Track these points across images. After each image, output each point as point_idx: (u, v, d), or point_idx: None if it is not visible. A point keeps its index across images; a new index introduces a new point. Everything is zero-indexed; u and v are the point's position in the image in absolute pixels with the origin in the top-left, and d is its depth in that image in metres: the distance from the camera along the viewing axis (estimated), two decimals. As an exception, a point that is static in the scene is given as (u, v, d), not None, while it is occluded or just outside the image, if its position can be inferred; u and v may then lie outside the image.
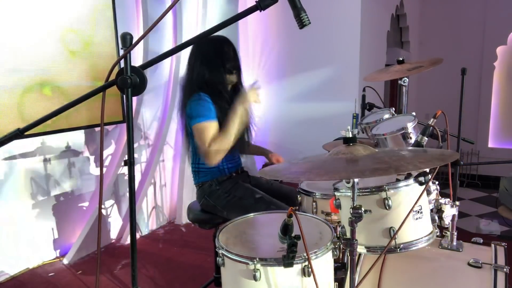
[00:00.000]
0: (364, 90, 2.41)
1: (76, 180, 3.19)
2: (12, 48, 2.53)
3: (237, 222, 1.45)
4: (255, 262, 1.11)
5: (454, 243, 1.50)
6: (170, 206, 3.93)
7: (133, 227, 1.12)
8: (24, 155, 2.83)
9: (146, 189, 3.59)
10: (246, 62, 4.31)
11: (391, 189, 1.23)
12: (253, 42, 4.39)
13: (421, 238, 1.26)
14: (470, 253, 1.45)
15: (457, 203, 1.43)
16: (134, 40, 1.05)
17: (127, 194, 1.01)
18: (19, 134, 1.06)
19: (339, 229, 1.33)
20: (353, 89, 3.88)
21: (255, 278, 1.11)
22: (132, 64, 1.07)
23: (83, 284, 2.70)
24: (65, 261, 2.99)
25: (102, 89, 1.07)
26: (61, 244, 3.11)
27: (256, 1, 0.95)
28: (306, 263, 1.12)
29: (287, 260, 1.09)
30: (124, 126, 3.36)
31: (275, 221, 1.40)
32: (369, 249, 1.27)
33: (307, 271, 1.13)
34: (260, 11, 0.97)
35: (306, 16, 0.97)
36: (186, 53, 3.64)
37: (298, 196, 1.84)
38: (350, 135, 1.19)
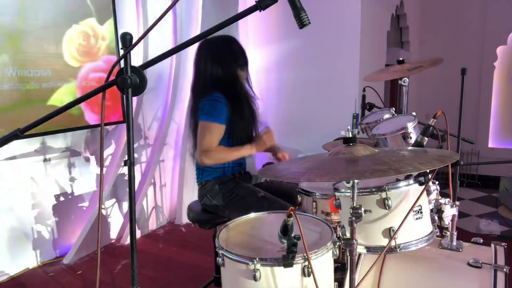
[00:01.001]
0: (364, 90, 2.41)
1: (76, 180, 3.19)
2: None
3: (237, 222, 1.45)
4: (255, 262, 1.11)
5: (454, 243, 1.50)
6: (170, 206, 3.93)
7: (133, 227, 1.12)
8: (24, 155, 2.83)
9: (146, 189, 3.59)
10: (246, 62, 4.30)
11: (391, 189, 1.23)
12: (253, 42, 4.39)
13: (421, 238, 1.26)
14: (470, 253, 1.45)
15: (457, 203, 1.43)
16: (134, 40, 1.05)
17: (127, 194, 1.00)
18: (19, 134, 1.06)
19: (339, 229, 1.33)
20: (353, 89, 3.87)
21: (255, 278, 1.11)
22: (132, 64, 1.07)
23: (83, 284, 2.70)
24: (65, 261, 2.99)
25: (102, 89, 1.07)
26: (61, 244, 3.11)
27: (256, 1, 0.95)
28: (306, 263, 1.12)
29: (287, 260, 1.09)
30: (124, 126, 3.36)
31: (275, 221, 1.40)
32: (369, 249, 1.27)
33: (307, 271, 1.13)
34: (260, 11, 0.97)
35: (306, 16, 0.97)
36: (186, 53, 3.63)
37: (298, 196, 1.84)
38: (350, 135, 1.19)
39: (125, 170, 3.31)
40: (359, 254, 1.47)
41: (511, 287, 1.34)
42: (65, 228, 3.12)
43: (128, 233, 3.37)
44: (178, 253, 3.17)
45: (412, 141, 1.67)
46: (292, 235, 1.09)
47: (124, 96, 1.06)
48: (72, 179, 3.16)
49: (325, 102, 4.06)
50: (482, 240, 1.54)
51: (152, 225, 3.70)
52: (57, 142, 3.02)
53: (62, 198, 3.09)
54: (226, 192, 1.98)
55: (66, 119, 2.85)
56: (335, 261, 1.27)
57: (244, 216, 1.48)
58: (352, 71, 3.93)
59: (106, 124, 3.23)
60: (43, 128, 2.63)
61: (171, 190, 3.93)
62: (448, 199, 1.39)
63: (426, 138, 1.39)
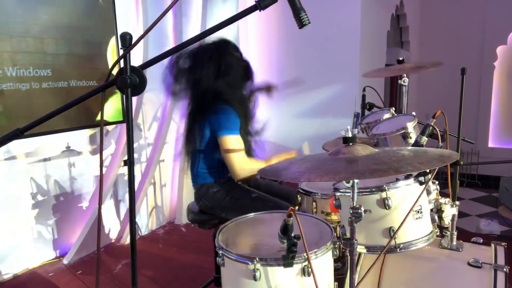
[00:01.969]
0: (364, 90, 2.41)
1: (76, 180, 3.19)
2: None
3: (237, 222, 1.45)
4: (255, 262, 1.11)
5: (454, 243, 1.50)
6: (170, 206, 3.93)
7: (133, 227, 1.12)
8: (24, 155, 2.83)
9: (146, 189, 3.59)
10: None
11: (391, 189, 1.23)
12: (253, 42, 4.39)
13: (421, 238, 1.26)
14: (470, 253, 1.45)
15: (457, 202, 1.43)
16: (134, 40, 1.05)
17: (127, 194, 1.01)
18: (18, 134, 1.06)
19: (339, 229, 1.33)
20: (353, 89, 3.87)
21: (255, 278, 1.11)
22: (132, 64, 1.07)
23: (83, 284, 2.70)
24: (65, 261, 2.99)
25: (102, 89, 1.07)
26: (61, 244, 3.11)
27: (255, 1, 0.95)
28: (306, 263, 1.12)
29: (287, 260, 1.09)
30: (124, 126, 3.36)
31: (275, 221, 1.40)
32: (369, 249, 1.27)
33: (307, 271, 1.13)
34: (260, 11, 0.97)
35: (305, 16, 0.97)
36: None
37: (298, 196, 1.84)
38: (350, 135, 1.19)
39: (125, 170, 3.31)
40: (359, 254, 1.47)
41: (511, 287, 1.34)
42: (65, 228, 3.12)
43: (128, 233, 3.37)
44: (178, 253, 3.17)
45: (412, 141, 1.67)
46: (292, 235, 1.08)
47: (124, 96, 1.06)
48: (72, 179, 3.16)
49: (325, 102, 4.06)
50: (482, 240, 1.54)
51: (152, 225, 3.70)
52: (57, 142, 3.02)
53: (62, 198, 3.09)
54: (221, 195, 1.99)
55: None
56: (335, 261, 1.27)
57: (244, 216, 1.48)
58: (352, 71, 3.93)
59: (106, 124, 3.23)
60: (43, 128, 2.63)
61: (171, 190, 3.93)
62: (448, 199, 1.39)
63: (426, 138, 1.39)
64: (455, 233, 1.50)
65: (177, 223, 3.80)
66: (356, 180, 1.12)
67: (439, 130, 1.39)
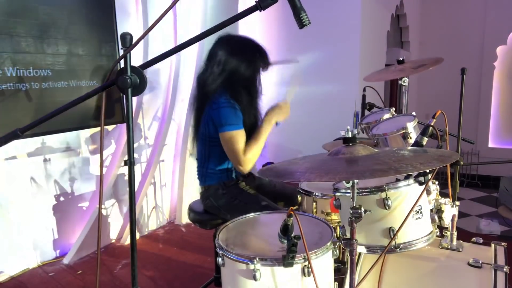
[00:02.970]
0: (364, 90, 2.41)
1: (76, 180, 3.19)
2: None
3: (237, 222, 1.45)
4: (255, 262, 1.11)
5: (454, 243, 1.50)
6: (170, 206, 3.93)
7: (133, 227, 1.12)
8: (24, 155, 2.83)
9: (146, 189, 3.59)
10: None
11: (391, 189, 1.23)
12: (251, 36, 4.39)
13: (421, 238, 1.27)
14: (470, 253, 1.45)
15: (457, 203, 1.43)
16: (134, 40, 1.05)
17: (127, 194, 1.01)
18: (18, 134, 1.06)
19: (339, 229, 1.33)
20: (353, 89, 3.87)
21: (255, 278, 1.11)
22: (132, 64, 1.07)
23: (83, 284, 2.70)
24: (65, 261, 2.99)
25: (101, 89, 1.07)
26: (61, 244, 3.11)
27: (256, 1, 0.95)
28: (306, 263, 1.12)
29: (287, 260, 1.09)
30: (124, 126, 3.36)
31: (275, 221, 1.40)
32: (369, 249, 1.27)
33: (307, 271, 1.13)
34: (260, 11, 0.97)
35: (306, 16, 0.97)
36: (186, 53, 3.64)
37: (298, 196, 1.84)
38: (350, 135, 1.19)
39: (125, 170, 3.31)
40: (359, 254, 1.47)
41: (511, 287, 1.34)
42: (65, 228, 3.12)
43: (128, 233, 3.37)
44: (178, 253, 3.17)
45: (412, 141, 1.67)
46: (292, 235, 1.09)
47: (124, 96, 1.06)
48: (72, 179, 3.16)
49: (325, 102, 4.06)
50: (482, 240, 1.54)
51: (152, 225, 3.70)
52: (57, 142, 3.02)
53: (62, 198, 3.09)
54: (230, 197, 1.98)
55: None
56: (335, 261, 1.27)
57: (244, 216, 1.49)
58: (352, 71, 3.93)
59: (106, 124, 3.23)
60: (43, 128, 2.63)
61: (171, 190, 3.93)
62: (448, 199, 1.39)
63: (426, 138, 1.39)
64: (455, 233, 1.50)
65: (177, 223, 3.80)
66: (356, 180, 1.12)
67: (439, 130, 1.39)
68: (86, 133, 3.21)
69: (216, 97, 1.90)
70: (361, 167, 1.08)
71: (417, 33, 5.66)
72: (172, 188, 3.94)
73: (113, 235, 3.42)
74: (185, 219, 3.72)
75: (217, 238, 1.28)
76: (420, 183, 1.26)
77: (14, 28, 2.52)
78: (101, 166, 1.18)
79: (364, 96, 2.41)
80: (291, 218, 1.08)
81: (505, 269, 1.33)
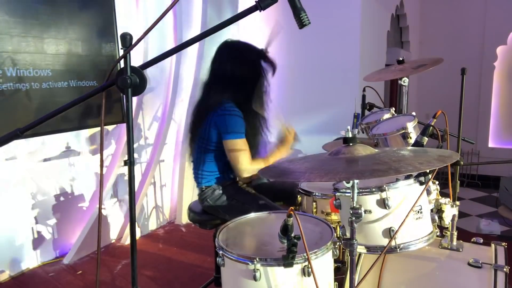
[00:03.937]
0: (364, 90, 2.41)
1: (76, 180, 3.19)
2: None
3: (237, 222, 1.45)
4: (255, 262, 1.11)
5: (454, 243, 1.50)
6: (170, 206, 3.93)
7: (133, 227, 1.12)
8: (24, 155, 2.83)
9: (146, 189, 3.59)
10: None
11: (391, 189, 1.23)
12: (253, 42, 4.38)
13: (421, 238, 1.26)
14: (470, 253, 1.45)
15: (457, 203, 1.43)
16: (134, 40, 1.05)
17: (127, 194, 1.01)
18: (18, 134, 1.06)
19: (339, 229, 1.33)
20: (353, 89, 3.87)
21: (255, 278, 1.11)
22: (132, 64, 1.07)
23: (83, 284, 2.70)
24: (65, 261, 2.99)
25: (101, 89, 1.07)
26: (61, 244, 3.11)
27: (256, 1, 0.95)
28: (306, 263, 1.12)
29: (287, 260, 1.09)
30: (124, 126, 3.36)
31: (275, 221, 1.40)
32: (369, 249, 1.27)
33: (307, 271, 1.13)
34: (260, 11, 0.97)
35: (306, 16, 0.97)
36: (186, 53, 3.63)
37: (298, 196, 1.84)
38: (350, 135, 1.19)
39: (125, 170, 3.31)
40: (359, 254, 1.47)
41: (511, 287, 1.34)
42: (65, 228, 3.12)
43: (128, 233, 3.37)
44: (178, 253, 3.17)
45: (412, 141, 1.67)
46: (292, 235, 1.08)
47: (124, 96, 1.06)
48: (72, 179, 3.16)
49: (325, 102, 4.06)
50: (482, 240, 1.54)
51: (152, 225, 3.70)
52: (57, 142, 3.02)
53: (62, 198, 3.09)
54: (227, 197, 1.98)
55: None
56: (335, 261, 1.27)
57: (244, 216, 1.48)
58: (352, 71, 3.93)
59: (106, 124, 3.23)
60: (43, 128, 2.63)
61: (171, 190, 3.93)
62: (448, 199, 1.39)
63: (426, 138, 1.39)
64: (455, 233, 1.50)
65: (177, 223, 3.80)
66: (356, 180, 1.12)
67: (439, 130, 1.39)
68: (86, 133, 3.21)
69: (222, 103, 1.90)
70: (361, 167, 1.08)
71: (417, 33, 5.65)
72: (172, 188, 3.94)
73: (113, 235, 3.42)
74: (185, 219, 3.72)
75: (217, 238, 1.28)
76: (420, 183, 1.26)
77: (14, 28, 2.52)
78: (101, 166, 1.18)
79: (364, 96, 2.40)
80: (291, 218, 1.08)
81: (505, 269, 1.33)
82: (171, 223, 3.84)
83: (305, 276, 1.13)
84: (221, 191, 2.00)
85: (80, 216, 3.22)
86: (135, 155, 3.38)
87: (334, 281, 1.28)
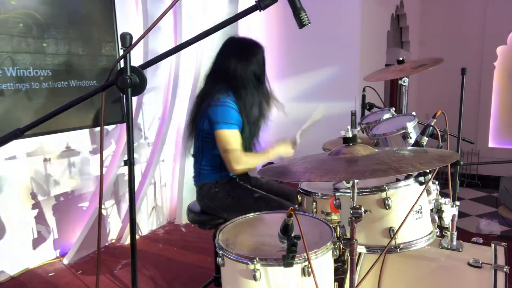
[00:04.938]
0: (364, 90, 2.41)
1: (76, 180, 3.18)
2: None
3: (237, 222, 1.45)
4: (255, 262, 1.11)
5: (454, 243, 1.50)
6: (170, 206, 3.93)
7: (133, 227, 1.12)
8: (24, 155, 2.83)
9: (146, 189, 3.59)
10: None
11: (391, 189, 1.23)
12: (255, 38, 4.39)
13: (421, 238, 1.26)
14: (470, 253, 1.45)
15: (457, 203, 1.43)
16: (134, 40, 1.05)
17: (127, 194, 1.01)
18: (18, 134, 1.06)
19: (339, 229, 1.33)
20: (353, 89, 3.87)
21: (255, 278, 1.11)
22: (132, 64, 1.07)
23: (83, 284, 2.70)
24: (65, 261, 2.99)
25: (101, 89, 1.07)
26: (61, 244, 3.11)
27: (255, 1, 0.95)
28: (306, 263, 1.12)
29: (287, 260, 1.09)
30: (124, 126, 3.36)
31: (275, 221, 1.40)
32: (369, 249, 1.27)
33: (307, 271, 1.13)
34: (260, 11, 0.97)
35: (306, 16, 0.97)
36: (186, 53, 3.63)
37: (298, 196, 1.84)
38: (350, 135, 1.19)
39: (125, 170, 3.31)
40: (359, 254, 1.47)
41: (511, 287, 1.34)
42: (65, 228, 3.12)
43: (128, 233, 3.36)
44: (178, 253, 3.17)
45: (412, 141, 1.67)
46: (292, 235, 1.09)
47: (124, 96, 1.06)
48: (72, 179, 3.16)
49: (325, 102, 4.06)
50: (482, 240, 1.54)
51: (152, 225, 3.70)
52: (57, 142, 3.02)
53: (62, 198, 3.09)
54: (223, 194, 1.98)
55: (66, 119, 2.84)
56: (335, 261, 1.27)
57: (244, 216, 1.48)
58: (352, 71, 3.93)
59: (106, 124, 3.23)
60: (43, 128, 2.63)
61: (171, 190, 3.93)
62: (448, 199, 1.39)
63: (426, 138, 1.39)
64: (455, 233, 1.50)
65: (177, 223, 3.80)
66: (356, 180, 1.12)
67: (439, 130, 1.39)
68: (86, 133, 3.21)
69: (216, 95, 1.90)
70: (361, 167, 1.08)
71: (417, 33, 5.66)
72: (172, 188, 3.94)
73: (113, 235, 3.42)
74: (185, 219, 3.72)
75: (217, 238, 1.28)
76: (420, 183, 1.26)
77: (14, 28, 2.52)
78: (101, 166, 1.18)
79: (364, 96, 2.41)
80: (291, 218, 1.08)
81: (505, 269, 1.33)
82: (171, 223, 3.84)
83: (305, 276, 1.13)
84: (217, 189, 2.00)
85: (80, 216, 3.22)
86: (135, 155, 3.38)
87: (334, 281, 1.28)
